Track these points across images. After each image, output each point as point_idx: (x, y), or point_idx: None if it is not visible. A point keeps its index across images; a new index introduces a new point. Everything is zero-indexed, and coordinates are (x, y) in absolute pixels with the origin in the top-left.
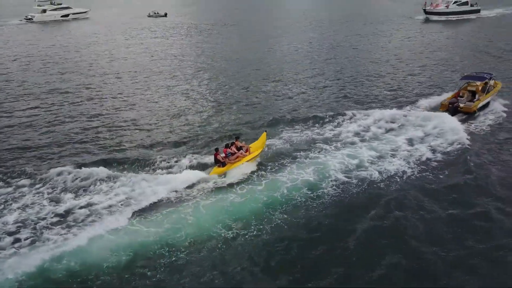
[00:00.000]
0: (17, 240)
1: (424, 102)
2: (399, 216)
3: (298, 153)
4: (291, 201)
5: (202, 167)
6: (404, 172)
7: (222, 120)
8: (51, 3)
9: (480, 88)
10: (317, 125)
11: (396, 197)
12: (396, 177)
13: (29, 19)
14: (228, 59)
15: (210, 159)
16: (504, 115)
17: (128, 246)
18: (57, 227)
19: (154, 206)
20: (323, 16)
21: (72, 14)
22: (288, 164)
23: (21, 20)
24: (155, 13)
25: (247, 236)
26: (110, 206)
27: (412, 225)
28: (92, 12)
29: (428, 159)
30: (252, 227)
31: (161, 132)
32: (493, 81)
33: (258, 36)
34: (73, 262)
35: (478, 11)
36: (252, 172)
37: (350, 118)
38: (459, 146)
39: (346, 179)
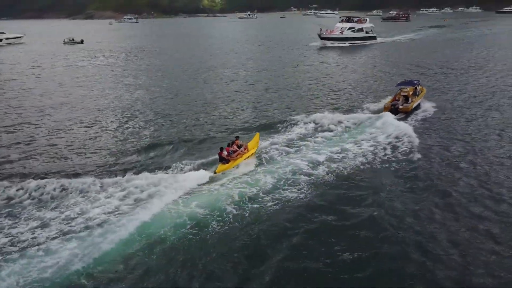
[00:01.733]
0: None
1: (369, 106)
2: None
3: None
4: (287, 187)
5: (209, 165)
6: (364, 163)
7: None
8: None
9: (411, 92)
10: (287, 128)
11: (363, 186)
12: (359, 169)
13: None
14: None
15: (213, 159)
16: (432, 112)
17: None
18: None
19: (172, 203)
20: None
21: (6, 39)
22: (278, 158)
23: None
24: (71, 40)
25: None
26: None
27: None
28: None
29: (382, 149)
30: (259, 211)
31: (158, 139)
32: (420, 86)
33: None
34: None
35: (374, 37)
36: (252, 166)
37: (307, 123)
38: (405, 138)
39: (320, 172)
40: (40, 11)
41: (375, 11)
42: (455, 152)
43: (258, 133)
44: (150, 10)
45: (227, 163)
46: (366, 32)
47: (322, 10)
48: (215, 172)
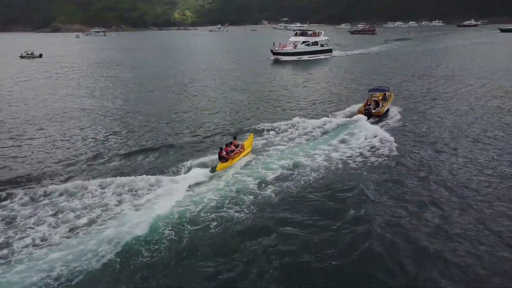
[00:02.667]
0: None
1: (343, 112)
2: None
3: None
4: (281, 180)
5: (209, 164)
6: (345, 161)
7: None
8: None
9: (380, 98)
10: (271, 132)
11: (344, 183)
12: (341, 167)
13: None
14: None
15: (213, 157)
16: (401, 116)
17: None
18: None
19: (178, 201)
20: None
21: None
22: (270, 156)
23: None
24: (29, 54)
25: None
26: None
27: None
28: None
29: (359, 149)
30: (259, 206)
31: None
32: (389, 92)
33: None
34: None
35: (330, 51)
36: (248, 163)
37: (289, 127)
38: (380, 139)
39: (303, 169)
40: (5, 24)
41: (343, 24)
42: (424, 149)
43: (252, 134)
44: (120, 23)
45: (226, 161)
46: (321, 46)
47: (292, 24)
48: (215, 170)
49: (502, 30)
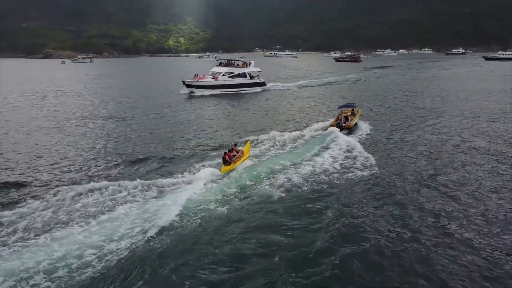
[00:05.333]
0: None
1: (318, 125)
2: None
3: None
4: (276, 182)
5: (214, 166)
6: (323, 170)
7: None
8: None
9: (349, 113)
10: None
11: (329, 190)
12: (318, 174)
13: None
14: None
15: (217, 160)
16: (369, 128)
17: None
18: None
19: (188, 199)
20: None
21: None
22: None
23: None
24: None
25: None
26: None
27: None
28: None
29: (334, 158)
30: (259, 202)
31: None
32: (356, 108)
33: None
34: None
35: (262, 84)
36: (247, 167)
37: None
38: (353, 148)
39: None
40: None
41: (333, 52)
42: (392, 157)
43: (249, 141)
44: (111, 50)
45: (229, 165)
46: (251, 78)
47: (281, 51)
48: (220, 172)
49: (486, 59)
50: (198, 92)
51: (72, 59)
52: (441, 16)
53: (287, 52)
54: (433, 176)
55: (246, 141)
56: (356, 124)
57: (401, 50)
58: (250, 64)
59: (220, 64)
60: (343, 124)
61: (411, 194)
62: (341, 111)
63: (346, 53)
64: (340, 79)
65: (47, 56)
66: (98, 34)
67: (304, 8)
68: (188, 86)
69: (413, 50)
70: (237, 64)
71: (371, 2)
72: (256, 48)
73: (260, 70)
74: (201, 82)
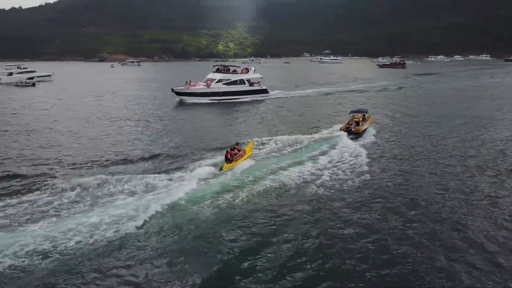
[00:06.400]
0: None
1: (327, 130)
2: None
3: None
4: (273, 179)
5: (217, 164)
6: (319, 172)
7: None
8: (18, 67)
9: (361, 118)
10: (267, 143)
11: (330, 189)
12: (311, 176)
13: (25, 80)
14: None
15: (220, 158)
16: (377, 135)
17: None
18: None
19: (191, 191)
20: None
21: (37, 77)
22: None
23: (17, 81)
24: (22, 82)
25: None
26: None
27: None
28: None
29: (331, 162)
30: (258, 196)
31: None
32: (368, 114)
33: None
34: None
35: (264, 91)
36: (248, 165)
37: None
38: (355, 152)
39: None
40: (58, 54)
41: (380, 58)
42: (390, 168)
43: (252, 141)
44: (162, 54)
45: (231, 162)
46: (251, 84)
47: (325, 57)
48: (221, 169)
49: None
50: (188, 100)
51: (122, 63)
52: (502, 21)
53: (332, 57)
54: (416, 205)
55: (249, 141)
56: (366, 130)
57: (456, 56)
58: (249, 70)
59: (217, 70)
60: (353, 129)
61: (393, 210)
62: (352, 116)
63: (394, 58)
64: (366, 87)
65: (102, 59)
66: (151, 38)
67: (354, 13)
68: (178, 94)
69: (470, 56)
70: (235, 70)
71: (425, 6)
72: (305, 53)
73: (261, 76)
74: (192, 89)
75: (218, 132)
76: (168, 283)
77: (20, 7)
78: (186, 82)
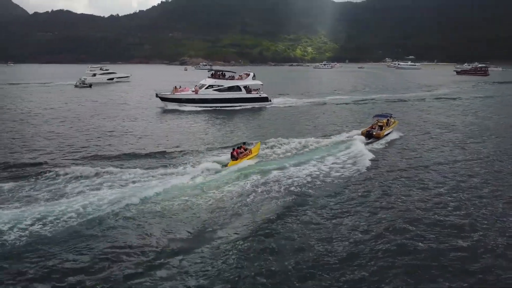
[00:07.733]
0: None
1: (350, 133)
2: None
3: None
4: (276, 178)
5: (222, 161)
6: (323, 174)
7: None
8: (101, 69)
9: (385, 123)
10: (282, 145)
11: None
12: (313, 178)
13: (82, 81)
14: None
15: (226, 156)
16: (400, 139)
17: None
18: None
19: (198, 184)
20: None
21: (116, 78)
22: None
23: (76, 82)
24: (81, 83)
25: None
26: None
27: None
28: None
29: (354, 162)
30: (260, 193)
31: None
32: (393, 119)
33: None
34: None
35: (264, 99)
36: (253, 164)
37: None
38: (360, 157)
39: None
40: (146, 58)
41: (465, 64)
42: (402, 168)
43: (259, 142)
44: (239, 58)
45: (236, 160)
46: (249, 91)
47: (404, 62)
48: (227, 165)
49: None
50: (171, 106)
51: (195, 66)
52: None
53: (409, 63)
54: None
55: (257, 142)
56: (388, 134)
57: None
58: (247, 76)
59: (212, 76)
60: (374, 133)
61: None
62: (377, 120)
63: (478, 65)
64: (422, 95)
65: (183, 63)
66: (231, 43)
67: (439, 17)
68: (163, 99)
69: None
70: (230, 76)
71: None
72: (387, 59)
73: (261, 83)
74: (177, 95)
75: (225, 135)
76: (168, 282)
77: (118, 14)
78: (175, 87)
